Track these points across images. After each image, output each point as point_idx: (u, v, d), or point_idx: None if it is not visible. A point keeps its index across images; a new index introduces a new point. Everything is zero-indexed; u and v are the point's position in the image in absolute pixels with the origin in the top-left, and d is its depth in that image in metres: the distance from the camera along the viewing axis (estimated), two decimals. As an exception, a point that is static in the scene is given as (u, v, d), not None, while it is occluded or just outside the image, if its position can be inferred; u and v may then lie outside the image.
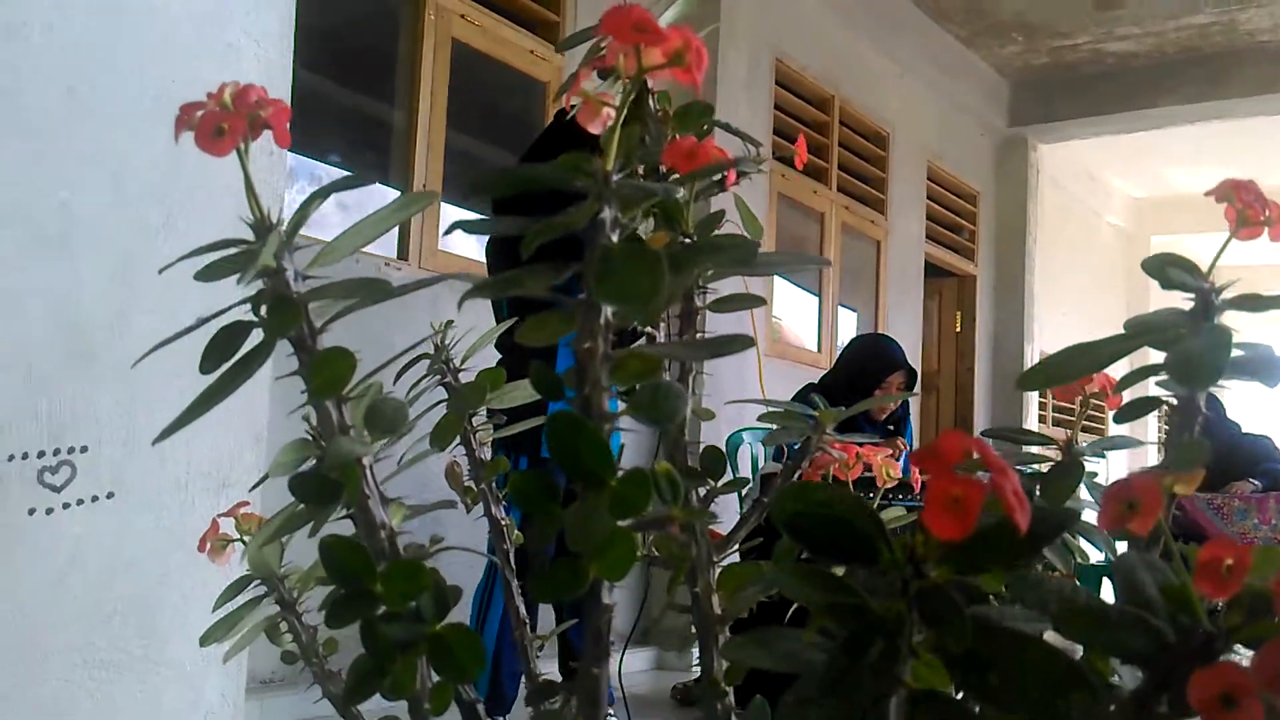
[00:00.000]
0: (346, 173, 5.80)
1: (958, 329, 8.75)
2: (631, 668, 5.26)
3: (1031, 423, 8.81)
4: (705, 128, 0.90)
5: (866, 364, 4.64)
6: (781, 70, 6.78)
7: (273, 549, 0.90)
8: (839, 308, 7.48)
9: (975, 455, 0.48)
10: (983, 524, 0.50)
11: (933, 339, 8.71)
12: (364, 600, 0.59)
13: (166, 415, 1.68)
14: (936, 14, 7.87)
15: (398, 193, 4.81)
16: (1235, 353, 0.68)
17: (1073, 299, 10.12)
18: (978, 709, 0.48)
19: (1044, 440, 0.90)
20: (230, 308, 0.61)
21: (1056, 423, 9.56)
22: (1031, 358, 8.96)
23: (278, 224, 0.60)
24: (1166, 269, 0.67)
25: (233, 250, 0.60)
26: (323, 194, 0.60)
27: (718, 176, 0.89)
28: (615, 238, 0.56)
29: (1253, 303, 0.66)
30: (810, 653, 0.52)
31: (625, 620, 5.38)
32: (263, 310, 0.60)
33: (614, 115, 0.59)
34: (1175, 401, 0.67)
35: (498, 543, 0.93)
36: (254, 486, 1.62)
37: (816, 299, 7.34)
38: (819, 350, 7.23)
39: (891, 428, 4.81)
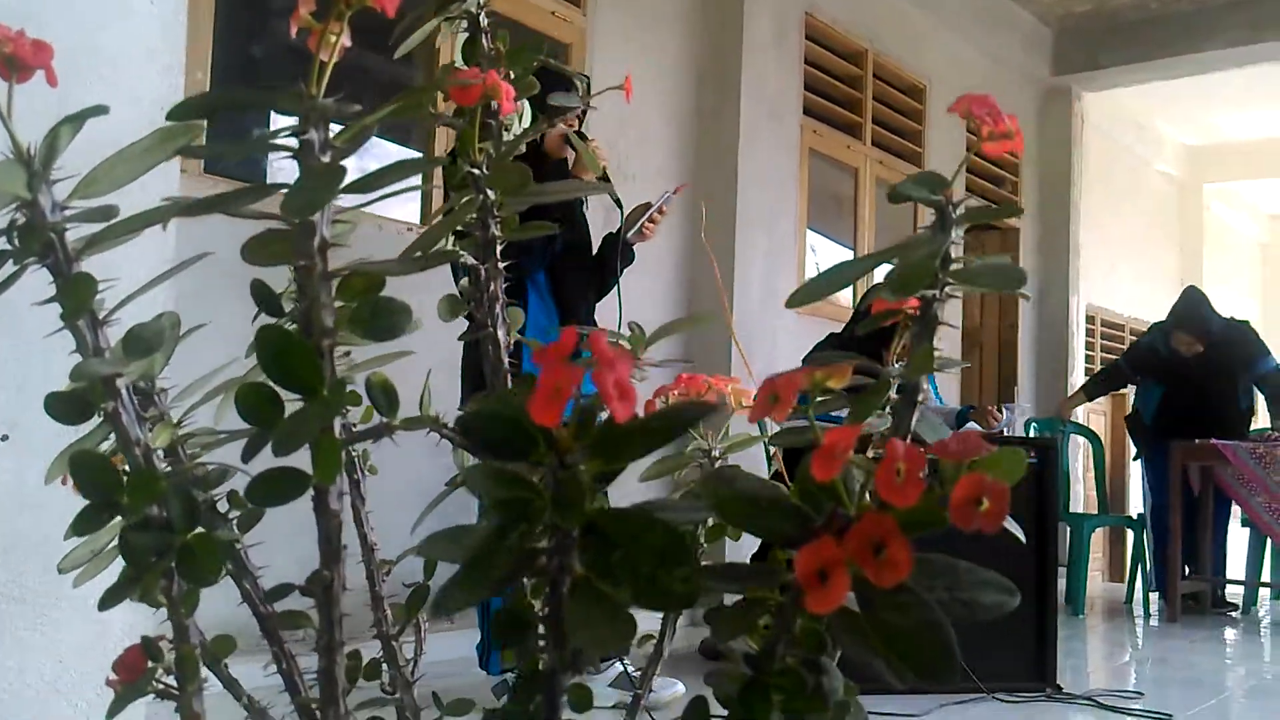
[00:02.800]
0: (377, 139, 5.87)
1: (1001, 283, 8.63)
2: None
3: (1078, 376, 8.69)
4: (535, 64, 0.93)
5: (881, 315, 4.60)
6: (811, 25, 6.71)
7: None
8: (875, 264, 7.42)
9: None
10: (628, 422, 0.53)
11: (974, 294, 8.61)
12: (111, 510, 0.63)
13: (61, 361, 1.74)
14: (974, -37, 7.74)
15: (417, 154, 4.88)
16: (976, 264, 0.70)
17: (1122, 250, 9.95)
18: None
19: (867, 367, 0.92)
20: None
21: (1105, 376, 9.44)
22: (1077, 311, 8.84)
23: (31, 158, 0.64)
24: (908, 186, 0.68)
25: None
26: (72, 121, 0.64)
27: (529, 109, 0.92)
28: (327, 158, 0.60)
29: (985, 215, 0.68)
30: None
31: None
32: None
33: (333, 39, 0.62)
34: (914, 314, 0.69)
35: (348, 474, 0.98)
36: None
37: (852, 253, 7.30)
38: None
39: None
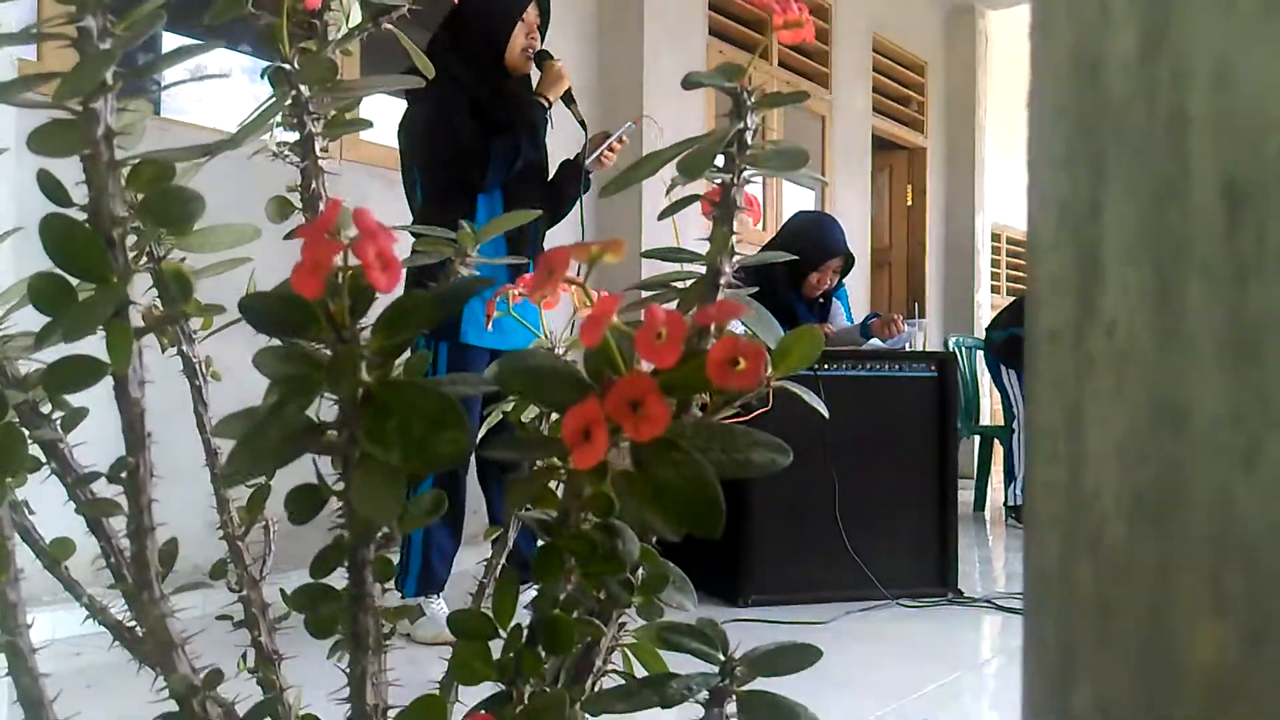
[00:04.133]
0: (263, 61, 5.73)
1: (909, 203, 8.75)
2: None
3: (984, 292, 8.86)
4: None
5: (806, 249, 4.67)
6: (714, -56, 6.66)
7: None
8: (784, 184, 7.47)
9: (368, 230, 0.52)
10: (401, 299, 0.55)
11: (884, 213, 8.71)
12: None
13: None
14: (877, -121, 7.71)
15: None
16: (772, 148, 0.72)
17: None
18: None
19: (698, 257, 0.94)
20: None
21: (1010, 292, 9.64)
22: (983, 229, 8.98)
23: None
24: (704, 74, 0.70)
25: None
26: None
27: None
28: (106, 46, 0.59)
29: (774, 100, 0.70)
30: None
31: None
32: None
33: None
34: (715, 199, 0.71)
35: (189, 379, 0.98)
36: None
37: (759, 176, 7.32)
38: (764, 229, 7.24)
39: (822, 301, 4.89)
